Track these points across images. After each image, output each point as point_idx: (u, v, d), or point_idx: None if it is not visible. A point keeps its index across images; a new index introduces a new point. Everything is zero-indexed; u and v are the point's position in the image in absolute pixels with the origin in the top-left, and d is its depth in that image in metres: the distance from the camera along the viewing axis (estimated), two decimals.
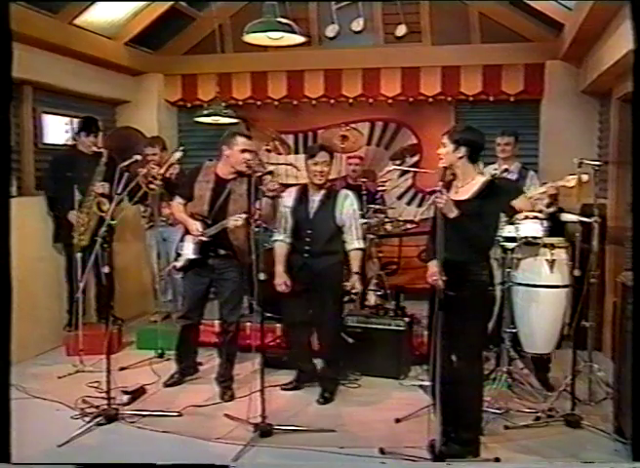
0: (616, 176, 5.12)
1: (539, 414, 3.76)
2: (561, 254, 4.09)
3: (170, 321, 5.34)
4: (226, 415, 3.86)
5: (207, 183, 4.14)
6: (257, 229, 3.76)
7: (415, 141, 6.62)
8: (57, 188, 5.19)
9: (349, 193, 4.17)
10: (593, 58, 5.05)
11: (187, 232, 4.19)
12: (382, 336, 4.60)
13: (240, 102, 6.61)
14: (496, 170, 4.81)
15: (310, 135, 6.75)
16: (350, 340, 4.61)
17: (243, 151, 4.04)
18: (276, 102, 6.58)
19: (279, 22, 4.20)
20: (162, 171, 5.10)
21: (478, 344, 3.37)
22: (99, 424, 3.71)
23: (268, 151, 5.93)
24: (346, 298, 4.68)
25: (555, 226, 4.26)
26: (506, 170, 4.50)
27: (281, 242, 4.11)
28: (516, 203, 4.14)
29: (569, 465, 3.31)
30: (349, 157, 5.93)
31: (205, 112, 5.77)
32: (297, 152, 6.64)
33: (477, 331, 3.31)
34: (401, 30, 6.22)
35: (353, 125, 6.00)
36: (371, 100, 6.44)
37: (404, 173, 6.49)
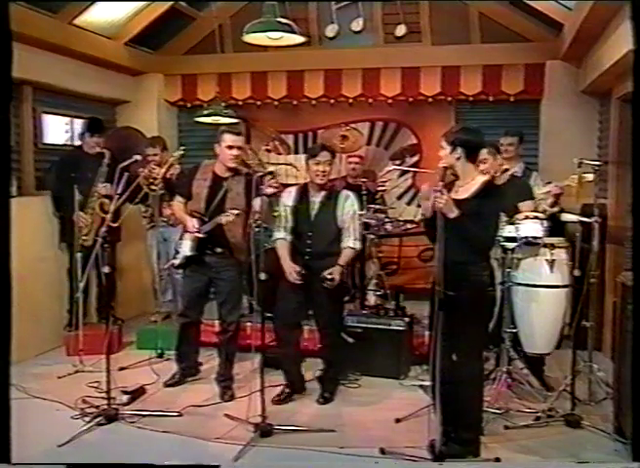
0: (616, 176, 5.12)
1: (538, 414, 3.76)
2: (561, 254, 4.10)
3: (170, 321, 5.34)
4: (226, 415, 3.86)
5: (204, 181, 4.19)
6: (257, 229, 3.76)
7: (415, 141, 6.62)
8: (62, 188, 5.22)
9: (350, 194, 4.16)
10: (593, 58, 5.05)
11: (186, 230, 4.21)
12: (382, 336, 4.60)
13: (240, 102, 6.61)
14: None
15: (310, 135, 6.74)
16: (350, 340, 4.61)
17: (230, 148, 4.09)
18: (276, 102, 6.58)
19: (279, 22, 4.19)
20: (163, 171, 5.10)
21: (478, 344, 3.37)
22: (98, 424, 3.71)
23: (268, 151, 5.93)
24: (346, 298, 4.69)
25: (555, 226, 4.26)
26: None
27: (282, 240, 4.09)
28: (522, 205, 4.13)
29: (569, 465, 3.31)
30: (349, 156, 5.93)
31: (205, 112, 5.77)
32: (297, 152, 6.64)
33: (477, 331, 3.31)
34: (401, 30, 6.22)
35: (353, 125, 6.00)
36: (371, 100, 6.44)
37: (404, 173, 6.49)
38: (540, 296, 4.06)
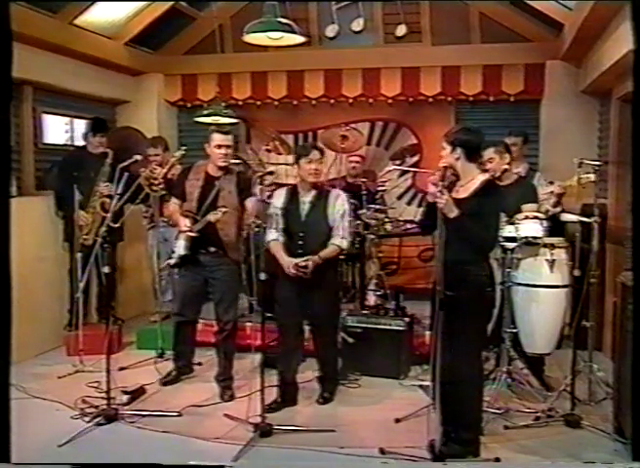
0: (616, 176, 5.12)
1: (538, 414, 3.76)
2: (561, 254, 4.10)
3: (170, 321, 5.33)
4: (226, 415, 3.86)
5: (197, 181, 4.24)
6: (257, 229, 3.76)
7: (415, 141, 6.62)
8: (64, 188, 5.22)
9: (340, 193, 4.14)
10: (593, 58, 5.05)
11: (181, 230, 4.24)
12: (382, 336, 4.60)
13: (240, 102, 6.60)
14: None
15: (310, 135, 6.74)
16: (350, 340, 4.62)
17: (219, 147, 4.15)
18: (276, 102, 6.58)
19: (279, 22, 4.19)
20: (164, 171, 5.10)
21: (478, 344, 3.37)
22: (98, 424, 3.72)
23: (268, 151, 5.93)
24: (345, 298, 4.68)
25: (555, 226, 4.26)
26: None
27: (275, 241, 4.05)
28: (525, 206, 4.13)
29: (569, 465, 3.31)
30: (350, 156, 5.94)
31: (205, 112, 5.76)
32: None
33: (477, 331, 3.31)
34: (401, 30, 6.22)
35: (353, 125, 5.99)
36: (371, 100, 6.44)
37: (404, 173, 6.49)
38: (540, 296, 4.06)
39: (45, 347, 5.16)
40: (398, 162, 6.51)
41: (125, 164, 4.24)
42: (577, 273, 3.99)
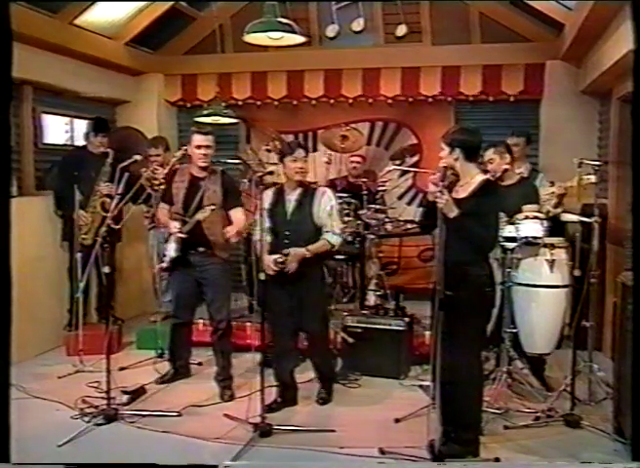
0: (616, 176, 5.12)
1: (538, 414, 3.76)
2: (561, 254, 4.10)
3: (169, 321, 5.32)
4: (226, 415, 3.86)
5: (182, 183, 4.27)
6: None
7: (415, 141, 6.62)
8: (64, 187, 5.22)
9: (327, 190, 4.10)
10: (593, 58, 5.05)
11: (170, 233, 4.26)
12: (382, 336, 4.60)
13: (240, 102, 6.61)
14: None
15: (310, 135, 6.75)
16: (350, 340, 4.62)
17: (199, 147, 4.17)
18: (276, 102, 6.58)
19: (279, 22, 4.19)
20: (165, 171, 5.10)
21: (478, 344, 3.37)
22: (98, 424, 3.72)
23: (268, 151, 5.92)
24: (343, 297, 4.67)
25: (555, 226, 4.26)
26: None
27: (261, 241, 4.02)
28: (526, 207, 4.13)
29: (569, 465, 3.31)
30: (351, 156, 5.94)
31: (205, 112, 5.76)
32: None
33: (477, 331, 3.31)
34: (401, 30, 6.23)
35: (353, 125, 6.00)
36: (371, 100, 6.44)
37: (404, 173, 6.49)
38: (540, 296, 4.06)
39: (45, 347, 5.16)
40: (398, 162, 6.49)
41: (125, 164, 4.24)
42: (577, 273, 3.99)
